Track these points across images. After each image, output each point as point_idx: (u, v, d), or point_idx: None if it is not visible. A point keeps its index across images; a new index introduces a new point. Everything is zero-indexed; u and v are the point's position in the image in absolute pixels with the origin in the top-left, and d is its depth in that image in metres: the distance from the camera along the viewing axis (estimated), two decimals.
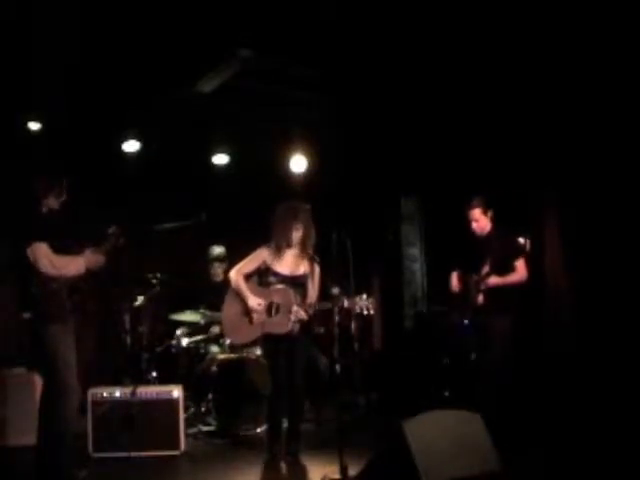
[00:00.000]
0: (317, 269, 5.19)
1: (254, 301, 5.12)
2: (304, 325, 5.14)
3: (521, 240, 5.60)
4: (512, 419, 5.09)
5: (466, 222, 5.68)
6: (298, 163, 7.57)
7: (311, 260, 5.16)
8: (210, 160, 7.67)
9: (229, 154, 7.67)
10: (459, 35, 5.62)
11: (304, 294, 5.12)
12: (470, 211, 5.64)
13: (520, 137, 6.44)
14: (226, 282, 5.50)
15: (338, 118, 7.27)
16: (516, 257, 5.48)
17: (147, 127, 7.09)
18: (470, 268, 5.62)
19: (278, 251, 5.16)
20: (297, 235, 5.14)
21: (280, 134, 7.45)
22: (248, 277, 5.26)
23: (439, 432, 3.97)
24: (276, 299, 5.10)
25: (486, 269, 5.47)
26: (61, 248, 4.38)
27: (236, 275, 5.23)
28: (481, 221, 5.61)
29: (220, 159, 7.69)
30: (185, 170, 7.62)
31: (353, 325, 5.93)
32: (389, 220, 8.54)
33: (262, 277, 5.23)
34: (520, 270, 5.48)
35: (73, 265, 4.42)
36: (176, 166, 7.53)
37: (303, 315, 5.02)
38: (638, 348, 5.55)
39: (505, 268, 5.48)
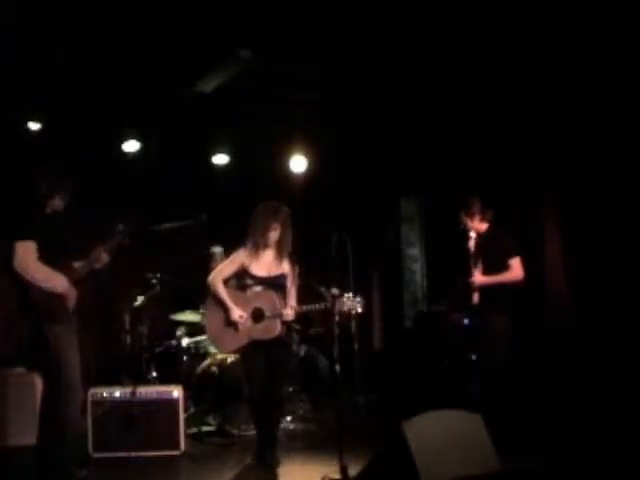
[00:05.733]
0: (296, 270, 5.09)
1: (236, 314, 4.97)
2: (289, 328, 5.09)
3: None
4: (512, 419, 5.08)
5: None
6: (298, 163, 7.57)
7: (291, 261, 5.06)
8: (210, 160, 7.67)
9: (229, 154, 7.67)
10: (458, 37, 5.63)
11: (283, 294, 5.02)
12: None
13: (520, 137, 6.44)
14: None
15: (338, 118, 7.27)
16: (509, 256, 5.38)
17: (147, 127, 7.09)
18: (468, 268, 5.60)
19: (255, 252, 5.04)
20: (274, 235, 5.02)
21: (280, 134, 7.45)
22: (226, 281, 5.13)
23: (439, 432, 3.97)
24: (259, 304, 4.97)
25: (476, 268, 5.45)
26: (60, 250, 4.37)
27: (215, 281, 5.07)
28: (469, 222, 5.58)
29: (220, 159, 7.68)
30: (185, 170, 7.62)
31: (353, 325, 5.96)
32: (389, 220, 8.55)
33: (239, 280, 5.12)
34: (514, 269, 5.38)
35: (49, 278, 4.28)
36: (176, 166, 7.54)
37: (292, 316, 4.96)
38: (638, 348, 5.55)
39: (498, 267, 5.41)
